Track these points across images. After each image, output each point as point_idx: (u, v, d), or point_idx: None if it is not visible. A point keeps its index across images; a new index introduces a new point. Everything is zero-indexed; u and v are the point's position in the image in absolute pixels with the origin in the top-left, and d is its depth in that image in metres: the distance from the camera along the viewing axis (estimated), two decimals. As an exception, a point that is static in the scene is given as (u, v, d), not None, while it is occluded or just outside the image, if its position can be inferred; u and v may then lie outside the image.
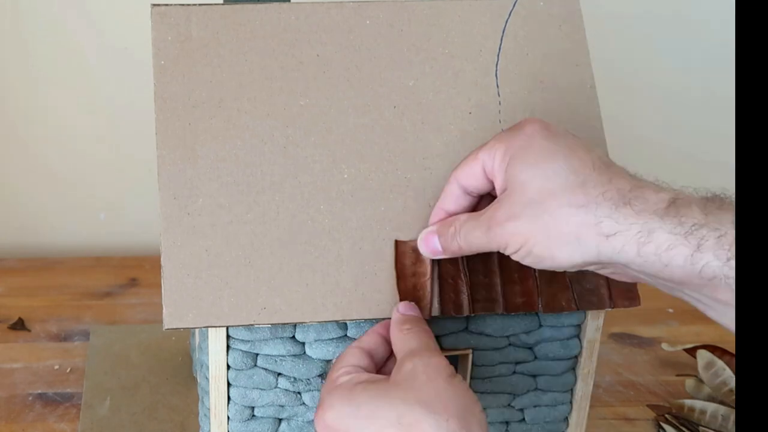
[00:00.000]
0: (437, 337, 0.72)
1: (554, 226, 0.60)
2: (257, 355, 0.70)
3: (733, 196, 0.58)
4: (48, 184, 1.21)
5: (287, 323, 0.69)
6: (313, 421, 0.72)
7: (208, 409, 0.72)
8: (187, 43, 0.72)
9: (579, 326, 0.75)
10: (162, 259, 0.68)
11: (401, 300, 0.69)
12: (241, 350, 0.70)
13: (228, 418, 0.72)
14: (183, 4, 0.73)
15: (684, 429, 0.88)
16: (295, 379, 0.71)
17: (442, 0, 0.76)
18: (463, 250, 0.66)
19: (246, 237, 0.69)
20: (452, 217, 0.68)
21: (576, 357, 0.76)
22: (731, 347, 0.92)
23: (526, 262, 0.62)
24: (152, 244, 0.88)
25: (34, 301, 1.08)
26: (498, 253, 0.71)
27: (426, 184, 0.72)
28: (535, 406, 0.76)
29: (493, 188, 0.66)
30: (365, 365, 0.66)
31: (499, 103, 0.75)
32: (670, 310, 1.12)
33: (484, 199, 0.68)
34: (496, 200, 0.64)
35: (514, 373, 0.75)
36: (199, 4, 0.73)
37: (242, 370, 0.70)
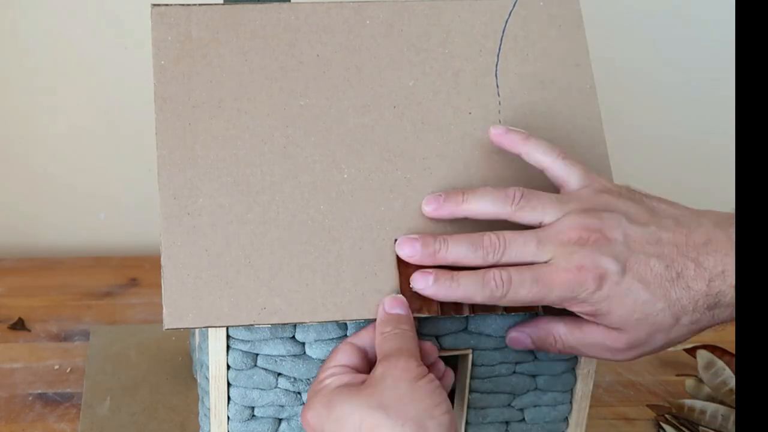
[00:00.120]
0: (437, 338, 0.72)
1: None
2: (257, 355, 0.70)
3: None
4: (48, 185, 1.21)
5: (287, 323, 0.69)
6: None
7: (208, 409, 0.72)
8: (187, 43, 0.72)
9: (579, 326, 0.75)
10: (162, 259, 0.68)
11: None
12: (241, 350, 0.70)
13: (228, 418, 0.72)
14: (183, 4, 0.73)
15: (684, 429, 0.88)
16: (295, 379, 0.71)
17: (442, 0, 0.76)
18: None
19: (246, 237, 0.69)
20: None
21: (576, 357, 0.76)
22: (731, 347, 0.92)
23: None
24: (152, 244, 0.88)
25: (34, 301, 1.08)
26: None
27: (426, 184, 0.72)
28: (535, 406, 0.76)
29: None
30: (355, 363, 0.67)
31: (499, 103, 0.75)
32: (670, 310, 1.12)
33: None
34: None
35: (514, 373, 0.75)
36: (199, 4, 0.73)
37: (242, 370, 0.70)
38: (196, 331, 0.81)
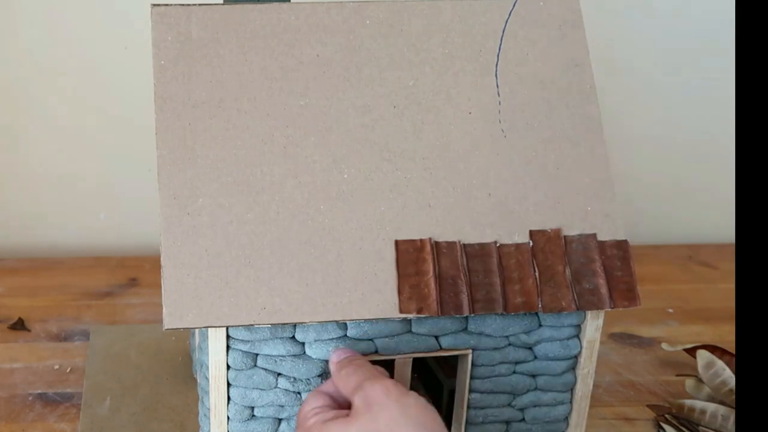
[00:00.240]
0: (437, 338, 0.72)
1: None
2: (257, 355, 0.70)
3: None
4: (48, 184, 1.21)
5: (287, 323, 0.69)
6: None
7: (208, 409, 0.72)
8: (187, 43, 0.72)
9: (579, 326, 0.75)
10: (162, 259, 0.68)
11: (401, 299, 0.69)
12: (241, 350, 0.70)
13: (228, 418, 0.72)
14: (183, 4, 0.73)
15: (684, 429, 0.88)
16: (295, 379, 0.71)
17: (442, 0, 0.76)
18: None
19: (246, 237, 0.69)
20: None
21: (576, 357, 0.76)
22: (731, 347, 0.92)
23: None
24: (152, 244, 0.88)
25: (34, 301, 1.08)
26: (498, 253, 0.71)
27: (426, 184, 0.72)
28: (535, 406, 0.76)
29: None
30: (330, 404, 0.67)
31: (499, 103, 0.75)
32: (670, 310, 1.12)
33: None
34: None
35: (514, 373, 0.75)
36: (199, 4, 0.73)
37: (242, 370, 0.70)
38: (196, 331, 0.81)
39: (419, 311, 0.69)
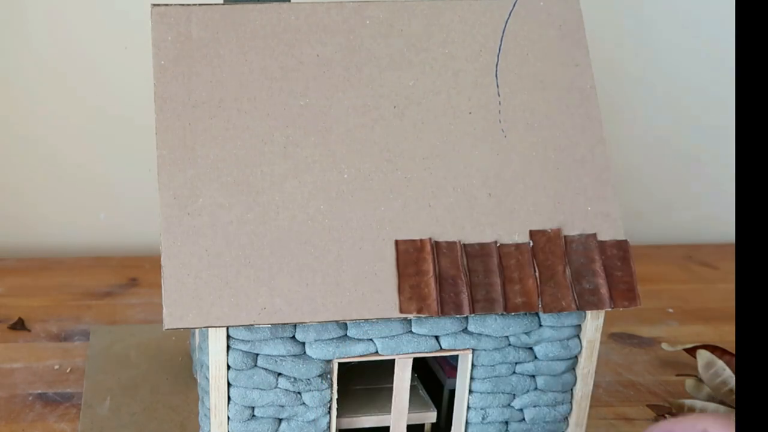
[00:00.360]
0: (437, 338, 0.72)
1: None
2: (257, 355, 0.70)
3: None
4: (48, 184, 1.21)
5: (287, 323, 0.69)
6: (313, 421, 0.73)
7: (208, 409, 0.72)
8: (187, 43, 0.72)
9: (579, 326, 0.75)
10: (162, 259, 0.68)
11: (401, 299, 0.69)
12: (241, 350, 0.70)
13: (228, 418, 0.72)
14: (183, 4, 0.73)
15: (684, 429, 0.88)
16: (295, 379, 0.71)
17: (442, 0, 0.76)
18: None
19: (246, 237, 0.69)
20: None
21: (576, 357, 0.76)
22: (731, 347, 0.92)
23: None
24: (152, 244, 0.88)
25: (34, 301, 1.08)
26: (498, 253, 0.71)
27: (426, 184, 0.72)
28: (535, 406, 0.76)
29: None
30: None
31: (499, 103, 0.75)
32: (670, 310, 1.12)
33: None
34: None
35: (514, 373, 0.75)
36: (199, 4, 0.73)
37: (242, 370, 0.70)
38: (196, 331, 0.81)
39: (419, 311, 0.69)
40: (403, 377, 0.74)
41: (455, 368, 0.76)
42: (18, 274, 1.14)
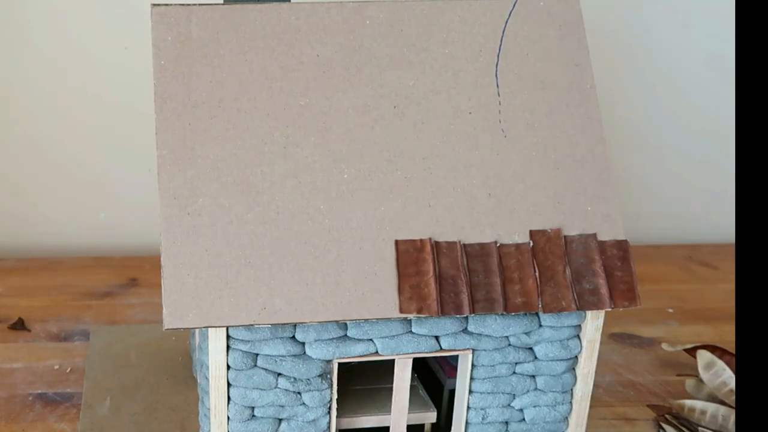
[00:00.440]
0: (437, 338, 0.72)
1: None
2: (257, 355, 0.70)
3: None
4: (48, 184, 1.21)
5: (287, 323, 0.69)
6: (313, 421, 0.73)
7: (208, 409, 0.72)
8: (187, 43, 0.72)
9: (579, 326, 0.75)
10: (162, 259, 0.68)
11: (401, 299, 0.69)
12: (241, 350, 0.70)
13: (228, 418, 0.72)
14: (183, 4, 0.73)
15: (684, 429, 0.88)
16: (295, 379, 0.71)
17: (442, 0, 0.76)
18: None
19: (246, 237, 0.69)
20: None
21: (576, 357, 0.76)
22: (731, 347, 0.92)
23: None
24: (152, 244, 0.88)
25: (34, 301, 1.08)
26: (498, 253, 0.71)
27: (426, 184, 0.72)
28: (535, 406, 0.76)
29: None
30: None
31: (499, 103, 0.75)
32: (670, 310, 1.12)
33: None
34: None
35: (514, 373, 0.75)
36: (199, 4, 0.73)
37: (242, 370, 0.70)
38: (196, 331, 0.81)
39: (419, 311, 0.69)
40: (403, 377, 0.74)
41: (455, 368, 0.76)
42: (18, 274, 1.14)
